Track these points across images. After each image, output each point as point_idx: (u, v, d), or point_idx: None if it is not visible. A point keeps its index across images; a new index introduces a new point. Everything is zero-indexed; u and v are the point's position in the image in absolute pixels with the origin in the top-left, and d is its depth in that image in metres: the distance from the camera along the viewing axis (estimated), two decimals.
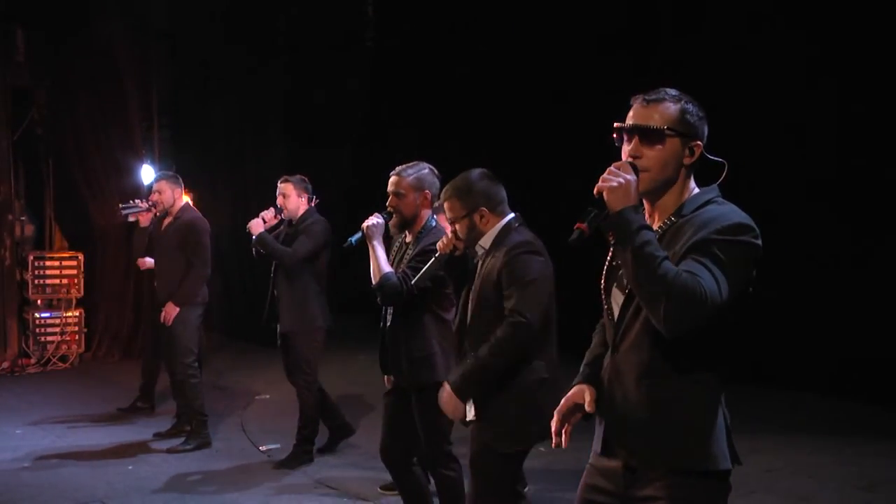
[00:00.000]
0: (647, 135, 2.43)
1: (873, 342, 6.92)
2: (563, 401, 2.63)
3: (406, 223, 4.40)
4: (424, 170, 4.40)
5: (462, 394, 3.68)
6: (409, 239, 4.45)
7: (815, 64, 7.15)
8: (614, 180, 2.34)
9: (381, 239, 4.39)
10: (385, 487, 5.61)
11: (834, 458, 5.96)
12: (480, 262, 3.79)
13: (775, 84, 7.35)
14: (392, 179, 4.39)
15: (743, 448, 2.45)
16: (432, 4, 10.66)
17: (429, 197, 4.38)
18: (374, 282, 4.33)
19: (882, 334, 6.86)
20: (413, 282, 4.16)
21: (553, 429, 2.62)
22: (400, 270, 4.30)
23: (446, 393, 3.70)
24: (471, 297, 3.80)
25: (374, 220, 4.38)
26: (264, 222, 6.30)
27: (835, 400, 7.08)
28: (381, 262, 4.32)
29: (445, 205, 3.84)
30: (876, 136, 6.92)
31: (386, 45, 11.73)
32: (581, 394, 2.59)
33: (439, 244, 3.95)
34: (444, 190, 3.89)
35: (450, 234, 3.89)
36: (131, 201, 7.58)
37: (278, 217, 6.40)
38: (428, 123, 10.31)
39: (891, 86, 6.80)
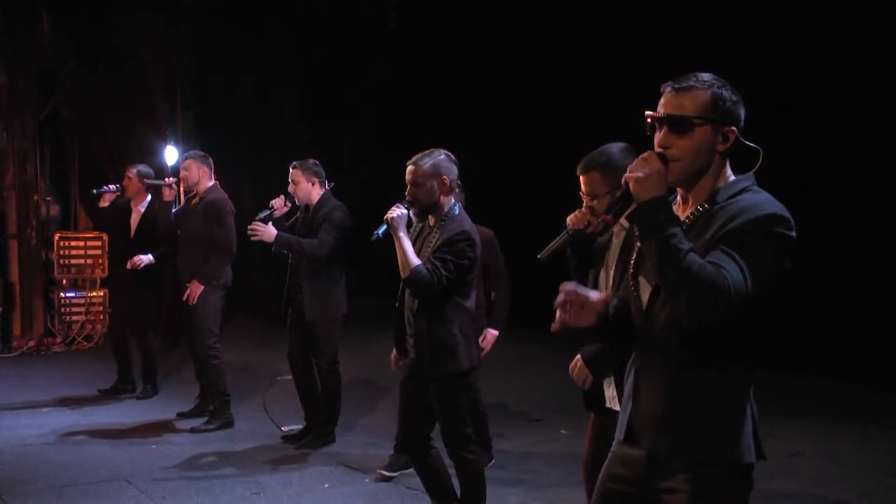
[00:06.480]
0: (676, 124, 2.38)
1: None
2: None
3: (426, 211, 4.36)
4: (440, 156, 4.36)
5: None
6: (432, 223, 4.41)
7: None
8: (641, 171, 2.31)
9: (405, 230, 4.31)
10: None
11: (859, 445, 5.90)
12: (618, 239, 3.39)
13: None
14: (409, 169, 4.34)
15: (762, 432, 2.41)
16: None
17: (447, 182, 4.33)
18: (403, 275, 4.28)
19: None
20: (539, 255, 3.63)
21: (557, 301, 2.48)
22: (427, 261, 4.24)
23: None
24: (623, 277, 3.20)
25: (397, 211, 4.28)
26: (274, 210, 6.20)
27: (859, 386, 6.98)
28: (408, 254, 4.25)
29: (582, 178, 3.51)
30: None
31: (410, 28, 11.67)
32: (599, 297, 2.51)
33: (570, 218, 3.55)
34: (582, 162, 3.52)
35: (583, 210, 3.53)
36: (105, 185, 8.03)
37: (289, 204, 6.32)
38: (452, 108, 10.25)
39: None
